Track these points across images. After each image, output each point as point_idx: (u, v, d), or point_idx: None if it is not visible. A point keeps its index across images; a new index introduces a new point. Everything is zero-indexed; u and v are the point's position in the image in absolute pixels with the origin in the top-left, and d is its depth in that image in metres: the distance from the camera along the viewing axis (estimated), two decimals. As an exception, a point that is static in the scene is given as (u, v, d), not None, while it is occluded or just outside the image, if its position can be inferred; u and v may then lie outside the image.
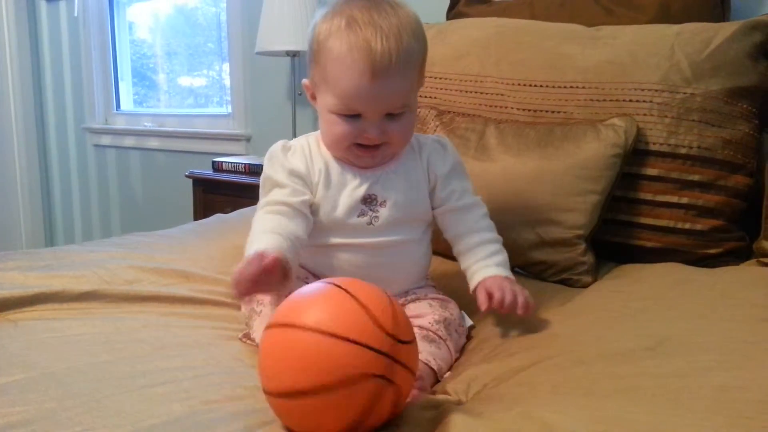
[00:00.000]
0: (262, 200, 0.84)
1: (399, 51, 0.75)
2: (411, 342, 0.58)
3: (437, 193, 0.89)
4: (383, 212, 0.85)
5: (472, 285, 0.85)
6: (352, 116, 0.80)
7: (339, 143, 0.83)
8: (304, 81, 0.86)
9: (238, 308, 0.91)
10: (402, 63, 0.76)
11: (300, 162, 0.85)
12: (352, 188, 0.84)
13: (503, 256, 0.87)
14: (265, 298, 0.80)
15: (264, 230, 0.77)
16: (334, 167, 0.85)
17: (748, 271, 1.01)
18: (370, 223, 0.84)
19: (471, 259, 0.87)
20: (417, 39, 0.79)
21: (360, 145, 0.82)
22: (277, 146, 0.88)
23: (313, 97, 0.85)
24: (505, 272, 0.85)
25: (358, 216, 0.84)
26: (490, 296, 0.81)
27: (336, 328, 0.53)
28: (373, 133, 0.80)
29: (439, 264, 1.08)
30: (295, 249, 0.77)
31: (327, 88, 0.80)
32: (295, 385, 0.53)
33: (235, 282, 0.66)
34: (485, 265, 0.85)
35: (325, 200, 0.84)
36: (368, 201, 0.85)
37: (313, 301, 0.56)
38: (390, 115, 0.80)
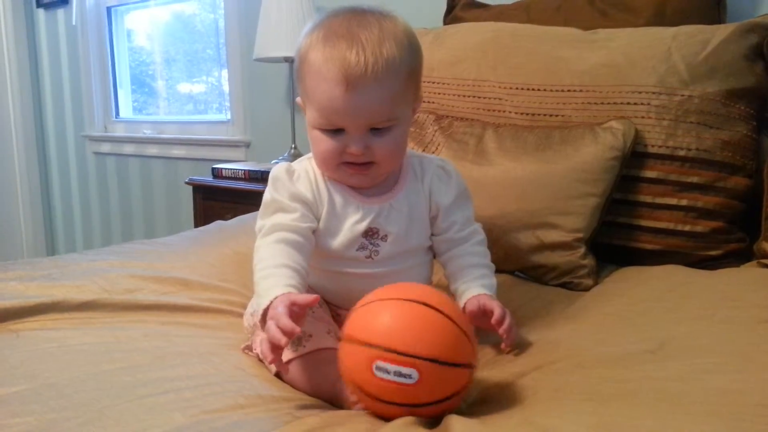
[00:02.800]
0: (266, 222, 0.80)
1: (376, 61, 0.73)
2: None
3: (438, 223, 0.87)
4: (384, 246, 0.83)
5: (461, 302, 0.83)
6: (334, 131, 0.78)
7: (327, 162, 0.81)
8: (297, 99, 0.85)
9: (240, 316, 0.91)
10: (381, 73, 0.73)
11: (306, 188, 0.83)
12: (354, 222, 0.82)
13: (492, 281, 0.86)
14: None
15: (278, 264, 0.74)
16: (338, 198, 0.83)
17: (749, 272, 1.01)
18: (370, 256, 0.83)
19: (460, 280, 0.85)
20: (403, 50, 0.76)
21: (349, 164, 0.79)
22: (281, 169, 0.85)
23: None
24: (493, 295, 0.83)
25: (358, 249, 0.83)
26: (484, 310, 0.80)
27: (449, 357, 0.62)
28: (356, 147, 0.77)
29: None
30: (305, 283, 0.75)
31: (309, 102, 0.79)
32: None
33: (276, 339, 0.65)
34: (476, 285, 0.83)
35: (327, 231, 0.82)
36: (369, 235, 0.83)
37: (422, 330, 0.63)
38: (375, 130, 0.78)
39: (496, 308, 0.79)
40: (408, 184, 0.86)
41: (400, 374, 0.60)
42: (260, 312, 0.70)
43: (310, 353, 0.73)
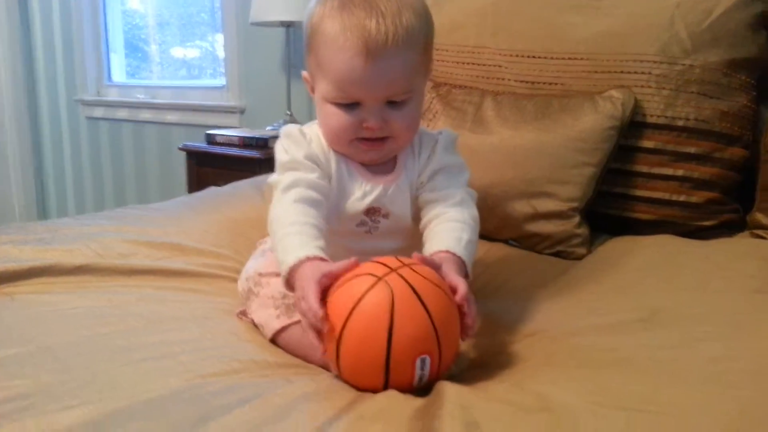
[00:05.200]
0: (285, 177, 0.77)
1: (397, 30, 0.71)
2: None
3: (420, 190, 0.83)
4: (384, 223, 0.81)
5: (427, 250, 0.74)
6: (350, 105, 0.75)
7: (340, 138, 0.78)
8: (304, 73, 0.82)
9: (234, 281, 0.91)
10: (401, 43, 0.71)
11: (320, 153, 0.81)
12: (357, 198, 0.80)
13: (462, 234, 0.75)
14: (262, 279, 0.79)
15: (302, 221, 0.71)
16: (344, 172, 0.81)
17: (742, 243, 1.02)
18: (369, 231, 0.82)
19: (431, 239, 0.77)
20: (420, 19, 0.74)
21: (363, 139, 0.76)
22: (295, 128, 0.82)
23: (313, 90, 0.81)
24: (463, 252, 0.73)
25: (357, 225, 0.81)
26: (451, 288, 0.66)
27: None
28: (374, 121, 0.74)
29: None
30: (328, 243, 0.73)
31: (322, 74, 0.76)
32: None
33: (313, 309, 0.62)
34: (438, 239, 0.75)
35: (329, 203, 0.80)
36: (371, 212, 0.81)
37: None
38: (392, 103, 0.75)
39: (461, 286, 0.65)
40: (407, 162, 0.83)
41: (421, 380, 0.59)
42: (286, 270, 0.67)
43: (305, 319, 0.73)
